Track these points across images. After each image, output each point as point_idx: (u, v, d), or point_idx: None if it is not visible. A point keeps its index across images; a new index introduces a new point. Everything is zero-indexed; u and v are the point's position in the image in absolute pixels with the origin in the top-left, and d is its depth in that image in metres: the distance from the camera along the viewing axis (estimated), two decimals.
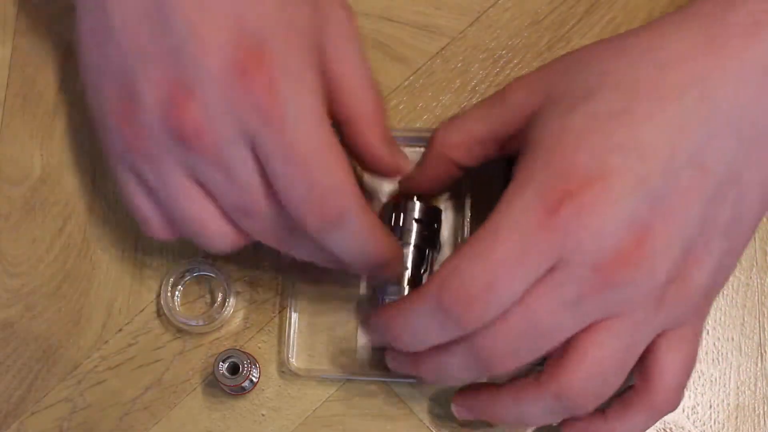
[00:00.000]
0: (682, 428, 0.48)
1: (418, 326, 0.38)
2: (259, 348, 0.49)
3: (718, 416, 0.48)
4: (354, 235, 0.40)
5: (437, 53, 0.53)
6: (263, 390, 0.49)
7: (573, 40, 0.52)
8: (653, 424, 0.42)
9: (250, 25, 0.38)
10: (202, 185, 0.40)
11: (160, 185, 0.41)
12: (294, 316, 0.48)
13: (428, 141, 0.45)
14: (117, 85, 0.40)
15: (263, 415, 0.49)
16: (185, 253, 0.50)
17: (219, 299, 0.49)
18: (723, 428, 0.48)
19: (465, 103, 0.52)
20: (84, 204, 0.51)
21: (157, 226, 0.42)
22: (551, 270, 0.36)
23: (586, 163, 0.36)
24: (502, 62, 0.52)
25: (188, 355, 0.49)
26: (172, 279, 0.48)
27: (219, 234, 0.41)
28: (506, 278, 0.36)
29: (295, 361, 0.48)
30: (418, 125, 0.51)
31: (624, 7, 0.53)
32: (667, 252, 0.37)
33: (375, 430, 0.48)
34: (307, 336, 0.49)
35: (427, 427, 0.48)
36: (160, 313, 0.50)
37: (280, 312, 0.50)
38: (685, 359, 0.40)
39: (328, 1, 0.43)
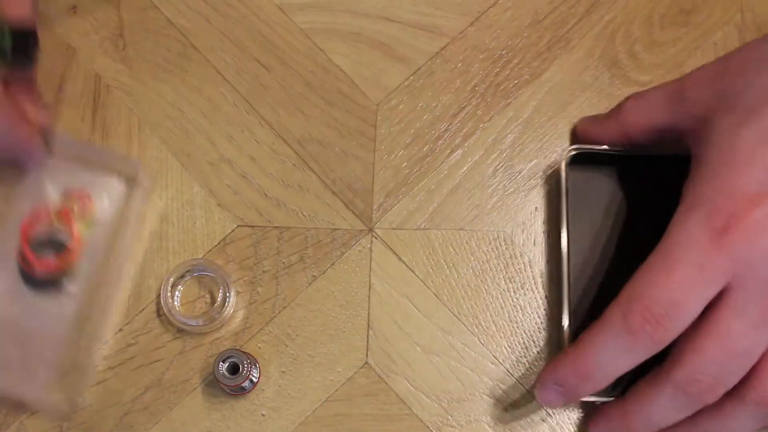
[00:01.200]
0: None
1: (606, 356, 0.40)
2: (259, 348, 0.49)
3: None
4: None
5: (437, 53, 0.53)
6: (263, 390, 0.49)
7: (573, 40, 0.52)
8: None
9: None
10: None
11: None
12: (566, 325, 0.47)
13: (617, 107, 0.48)
14: None
15: (263, 415, 0.49)
16: (185, 253, 0.50)
17: (219, 299, 0.49)
18: None
19: (465, 104, 0.52)
20: None
21: None
22: (728, 291, 0.38)
23: (751, 184, 0.38)
24: (502, 62, 0.52)
25: (188, 355, 0.49)
26: (172, 279, 0.48)
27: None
28: (686, 296, 0.38)
29: None
30: (417, 125, 0.51)
31: (624, 7, 0.53)
32: None
33: (375, 430, 0.48)
34: None
35: (427, 427, 0.48)
36: (160, 313, 0.50)
37: (279, 312, 0.50)
38: None
39: None
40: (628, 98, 0.48)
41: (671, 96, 0.45)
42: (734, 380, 0.40)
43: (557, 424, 0.48)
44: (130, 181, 0.50)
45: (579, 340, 0.42)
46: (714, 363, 0.39)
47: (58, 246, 0.49)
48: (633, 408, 0.42)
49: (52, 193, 0.49)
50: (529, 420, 0.48)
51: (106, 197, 0.50)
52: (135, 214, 0.49)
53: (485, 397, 0.48)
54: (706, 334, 0.39)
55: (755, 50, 0.42)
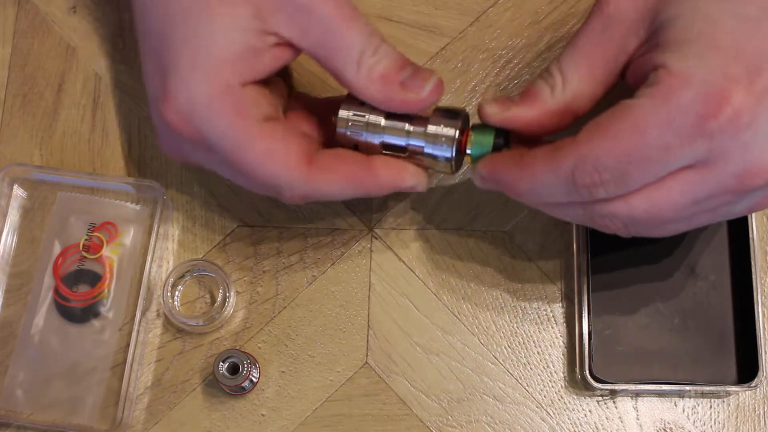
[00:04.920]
0: (682, 428, 0.48)
1: (543, 188, 0.39)
2: (259, 348, 0.49)
3: (718, 416, 0.48)
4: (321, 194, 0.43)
5: (437, 53, 0.53)
6: (263, 390, 0.49)
7: None
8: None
9: (161, 69, 0.42)
10: None
11: None
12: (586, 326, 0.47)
13: (531, 89, 0.42)
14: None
15: (263, 415, 0.49)
16: (185, 253, 0.50)
17: (219, 299, 0.49)
18: (723, 428, 0.48)
19: (465, 104, 0.52)
20: None
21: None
22: (688, 167, 0.37)
23: (744, 70, 0.35)
24: (502, 62, 0.52)
25: (188, 355, 0.49)
26: (172, 279, 0.48)
27: None
28: (642, 171, 0.36)
29: (589, 372, 0.47)
30: None
31: None
32: None
33: (375, 430, 0.48)
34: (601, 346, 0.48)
35: (427, 427, 0.48)
36: (160, 313, 0.50)
37: (279, 312, 0.50)
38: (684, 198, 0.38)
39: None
40: (542, 76, 0.42)
41: (599, 29, 0.40)
42: (636, 233, 0.40)
43: (557, 424, 0.48)
44: (153, 204, 0.50)
45: (529, 159, 0.40)
46: (633, 213, 0.38)
47: (90, 276, 0.49)
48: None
49: (79, 227, 0.50)
50: (529, 420, 0.48)
51: (131, 223, 0.50)
52: (160, 234, 0.50)
53: (485, 397, 0.48)
54: (645, 190, 0.37)
55: None
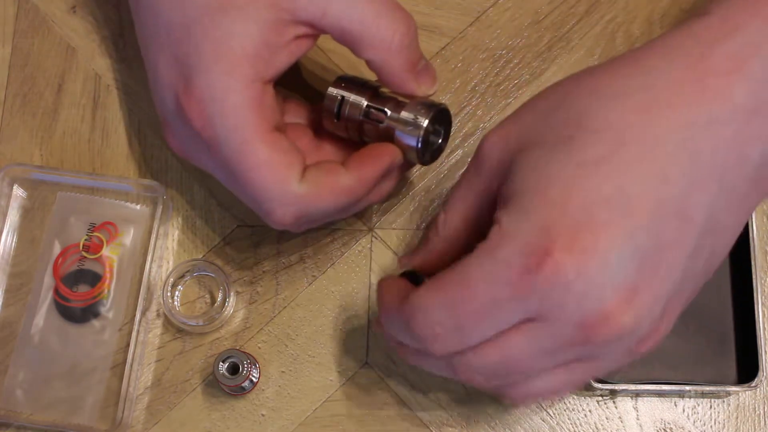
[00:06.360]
0: (682, 428, 0.48)
1: (396, 331, 0.39)
2: (259, 348, 0.49)
3: (718, 416, 0.48)
4: (313, 218, 0.44)
5: (437, 53, 0.53)
6: (263, 390, 0.49)
7: (573, 40, 0.52)
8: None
9: (181, 60, 0.42)
10: None
11: None
12: None
13: (424, 231, 0.46)
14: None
15: (263, 415, 0.49)
16: (185, 253, 0.50)
17: (219, 299, 0.49)
18: (723, 428, 0.48)
19: (465, 104, 0.52)
20: None
21: None
22: (529, 320, 0.36)
23: (569, 221, 0.34)
24: (502, 62, 0.52)
25: (188, 355, 0.49)
26: (172, 279, 0.48)
27: None
28: (474, 326, 0.36)
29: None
30: None
31: (624, 7, 0.53)
32: (651, 310, 0.36)
33: (375, 430, 0.48)
34: None
35: (427, 427, 0.48)
36: (160, 313, 0.50)
37: (279, 312, 0.50)
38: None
39: None
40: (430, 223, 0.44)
41: (472, 174, 0.41)
42: (502, 382, 0.38)
43: (557, 424, 0.48)
44: (153, 204, 0.50)
45: (391, 296, 0.40)
46: (488, 365, 0.37)
47: (90, 276, 0.49)
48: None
49: (79, 227, 0.50)
50: (529, 420, 0.48)
51: (131, 223, 0.50)
52: (160, 234, 0.50)
53: (485, 397, 0.48)
54: (492, 343, 0.36)
55: (544, 95, 0.39)
